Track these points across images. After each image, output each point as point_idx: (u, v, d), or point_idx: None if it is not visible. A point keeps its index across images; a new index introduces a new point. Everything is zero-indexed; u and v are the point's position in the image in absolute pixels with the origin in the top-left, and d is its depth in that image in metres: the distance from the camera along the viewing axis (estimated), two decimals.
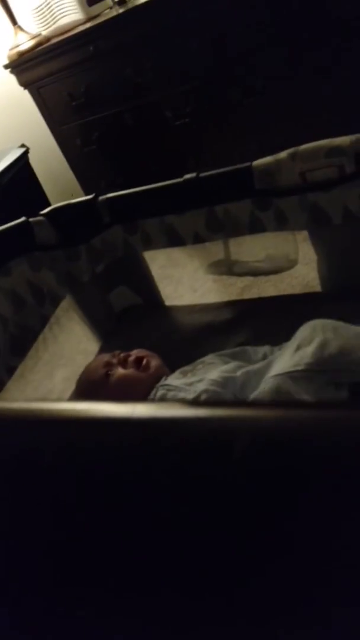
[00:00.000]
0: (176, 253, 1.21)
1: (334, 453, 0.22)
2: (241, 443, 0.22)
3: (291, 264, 1.09)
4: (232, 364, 0.87)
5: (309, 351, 0.77)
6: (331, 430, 0.23)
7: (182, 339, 1.12)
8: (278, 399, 0.72)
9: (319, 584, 0.20)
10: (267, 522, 0.21)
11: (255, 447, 0.22)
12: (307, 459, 0.22)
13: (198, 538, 0.22)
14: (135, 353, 0.98)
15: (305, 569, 0.20)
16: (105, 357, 0.99)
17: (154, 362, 0.96)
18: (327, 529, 0.20)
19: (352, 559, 0.20)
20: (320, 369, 0.75)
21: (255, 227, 1.01)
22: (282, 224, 0.98)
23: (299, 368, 0.75)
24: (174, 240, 1.11)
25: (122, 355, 0.97)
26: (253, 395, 0.77)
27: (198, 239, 1.08)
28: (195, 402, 0.26)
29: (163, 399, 0.85)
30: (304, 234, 1.02)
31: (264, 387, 0.77)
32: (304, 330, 0.83)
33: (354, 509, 0.20)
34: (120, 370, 0.94)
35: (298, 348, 0.79)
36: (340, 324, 0.82)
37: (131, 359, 0.96)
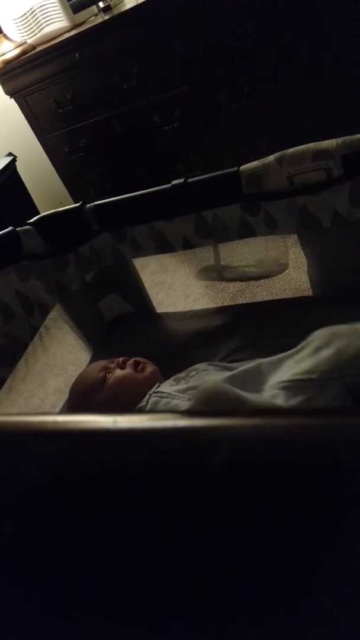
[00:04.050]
0: (167, 259, 1.21)
1: (312, 461, 0.22)
2: (220, 452, 0.23)
3: (282, 268, 1.09)
4: (228, 373, 0.87)
5: (324, 357, 0.72)
6: (310, 437, 0.23)
7: (174, 347, 1.11)
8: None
9: (301, 594, 0.20)
10: (248, 532, 0.21)
11: (234, 456, 0.23)
12: (287, 467, 0.22)
13: (180, 549, 0.22)
14: (134, 358, 0.99)
15: (288, 579, 0.20)
16: (103, 362, 1.00)
17: (150, 367, 0.97)
18: (309, 538, 0.20)
19: (335, 569, 0.20)
20: (336, 376, 0.71)
21: (245, 232, 1.01)
22: (271, 228, 0.97)
23: (313, 376, 0.71)
24: (163, 246, 1.10)
25: (120, 359, 0.98)
26: (257, 400, 0.75)
27: (187, 245, 1.08)
28: (177, 412, 0.25)
29: (155, 406, 0.85)
30: (294, 238, 1.01)
31: (268, 394, 0.74)
32: (319, 336, 0.77)
33: (336, 517, 0.20)
34: (118, 371, 0.95)
35: (313, 353, 0.75)
36: (356, 327, 0.76)
37: (130, 362, 0.97)
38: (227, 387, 0.73)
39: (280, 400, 0.73)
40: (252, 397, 0.73)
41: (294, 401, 0.72)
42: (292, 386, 0.73)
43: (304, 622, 0.20)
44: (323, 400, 0.70)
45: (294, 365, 0.77)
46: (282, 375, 0.77)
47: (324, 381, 0.71)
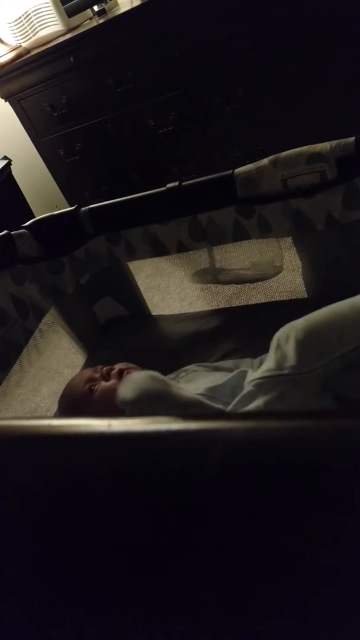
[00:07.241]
0: (163, 262, 1.21)
1: (307, 463, 0.22)
2: (215, 456, 0.23)
3: (276, 271, 1.09)
4: (218, 374, 0.86)
5: (289, 351, 0.70)
6: (304, 440, 0.23)
7: (168, 349, 1.11)
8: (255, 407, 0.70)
9: (300, 595, 0.20)
10: (245, 533, 0.21)
11: (228, 459, 0.23)
12: (281, 469, 0.22)
13: (175, 551, 0.22)
14: (117, 366, 0.97)
15: (286, 579, 0.20)
16: (87, 373, 0.98)
17: (136, 372, 0.96)
18: (307, 538, 0.20)
19: (329, 571, 0.20)
20: (307, 371, 0.69)
21: (239, 235, 1.01)
22: (265, 231, 0.97)
23: (284, 372, 0.70)
24: (158, 249, 1.10)
25: (104, 369, 0.96)
26: (233, 403, 0.75)
27: (182, 248, 1.08)
28: (171, 416, 0.25)
29: None
30: (289, 240, 1.02)
31: (242, 393, 0.74)
32: (279, 333, 0.76)
33: (330, 519, 0.20)
34: (103, 384, 0.93)
35: (276, 349, 0.73)
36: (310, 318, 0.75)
37: (114, 372, 0.95)
38: (155, 383, 0.71)
39: (260, 399, 0.72)
40: (183, 392, 0.72)
41: (268, 397, 0.71)
42: (264, 383, 0.72)
43: (308, 625, 0.20)
44: (299, 395, 0.69)
45: (265, 363, 0.76)
46: (256, 373, 0.76)
47: (295, 376, 0.69)
